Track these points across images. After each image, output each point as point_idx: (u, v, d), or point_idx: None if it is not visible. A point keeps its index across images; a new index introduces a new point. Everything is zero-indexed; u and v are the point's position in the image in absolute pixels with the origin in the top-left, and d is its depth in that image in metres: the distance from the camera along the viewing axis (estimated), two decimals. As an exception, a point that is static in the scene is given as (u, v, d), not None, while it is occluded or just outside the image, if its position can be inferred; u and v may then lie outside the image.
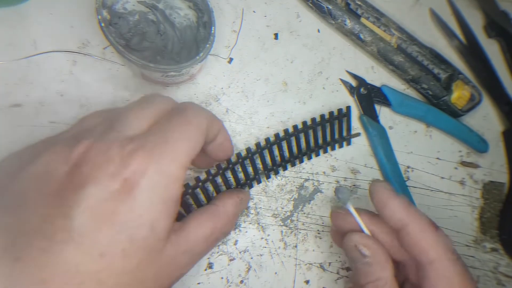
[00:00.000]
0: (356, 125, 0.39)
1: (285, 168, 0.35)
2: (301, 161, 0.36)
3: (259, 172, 0.33)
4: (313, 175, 0.36)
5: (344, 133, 0.37)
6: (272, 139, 0.33)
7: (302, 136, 0.35)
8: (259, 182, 0.34)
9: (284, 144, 0.34)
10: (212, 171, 0.30)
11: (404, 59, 0.40)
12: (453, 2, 0.45)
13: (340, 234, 0.29)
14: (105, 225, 0.19)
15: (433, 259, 0.24)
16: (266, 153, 0.33)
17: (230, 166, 0.31)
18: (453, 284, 0.24)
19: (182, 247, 0.22)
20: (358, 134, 0.38)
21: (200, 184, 0.30)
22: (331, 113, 0.36)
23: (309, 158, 0.36)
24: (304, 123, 0.34)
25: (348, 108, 0.37)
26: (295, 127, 0.34)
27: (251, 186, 0.33)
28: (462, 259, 0.26)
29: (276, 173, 0.35)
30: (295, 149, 0.35)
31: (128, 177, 0.20)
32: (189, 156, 0.22)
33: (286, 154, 0.35)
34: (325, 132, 0.36)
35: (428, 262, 0.25)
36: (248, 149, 0.31)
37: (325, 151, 0.37)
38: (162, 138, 0.22)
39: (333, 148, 0.37)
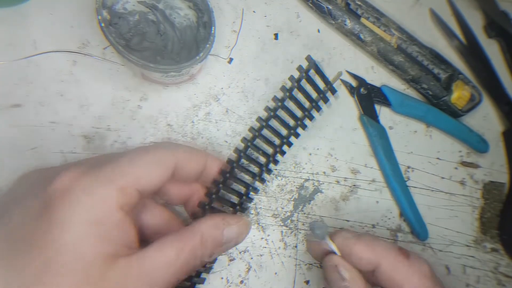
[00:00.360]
0: (356, 124, 0.39)
1: (275, 163, 0.31)
2: (290, 145, 0.31)
3: (256, 178, 0.30)
4: (313, 175, 0.36)
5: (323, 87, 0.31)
6: (249, 135, 0.28)
7: (276, 121, 0.29)
8: (256, 191, 0.31)
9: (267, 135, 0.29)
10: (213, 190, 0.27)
11: (404, 59, 0.40)
12: (453, 2, 0.45)
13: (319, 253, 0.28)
14: (21, 250, 0.18)
15: None
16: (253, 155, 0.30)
17: (215, 191, 0.27)
18: None
19: (134, 272, 0.20)
20: (340, 74, 0.31)
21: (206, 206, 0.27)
22: (291, 77, 0.28)
23: (297, 136, 0.31)
24: (275, 98, 0.28)
25: (309, 58, 0.29)
26: (266, 108, 0.28)
27: (250, 201, 0.30)
28: (441, 285, 0.25)
29: (271, 169, 0.31)
30: (277, 137, 0.30)
31: (49, 196, 0.19)
32: (136, 184, 0.21)
33: (271, 147, 0.30)
34: (299, 101, 0.30)
35: None
36: (230, 161, 0.27)
37: (311, 118, 0.31)
38: (108, 161, 0.21)
39: (318, 109, 0.31)
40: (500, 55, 0.47)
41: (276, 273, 0.33)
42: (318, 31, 0.40)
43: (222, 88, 0.35)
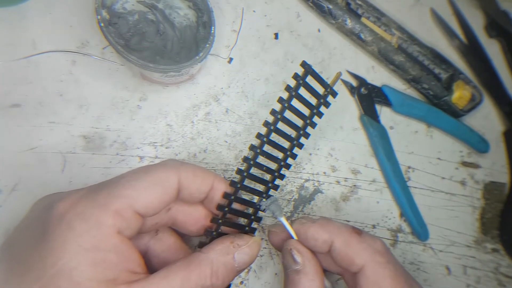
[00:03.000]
0: (356, 124, 0.39)
1: (281, 178, 0.28)
2: (294, 157, 0.29)
3: (263, 195, 0.28)
4: (313, 175, 0.36)
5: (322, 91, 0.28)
6: (251, 154, 0.26)
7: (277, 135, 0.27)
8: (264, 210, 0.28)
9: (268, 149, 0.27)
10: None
11: (404, 59, 0.40)
12: (454, 2, 0.45)
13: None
14: (21, 275, 0.18)
15: (361, 266, 0.24)
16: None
17: (221, 215, 0.25)
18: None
19: None
20: (339, 75, 0.29)
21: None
22: (288, 87, 0.25)
23: (300, 147, 0.28)
24: (274, 111, 0.26)
25: (304, 64, 0.25)
26: (266, 123, 0.25)
27: (258, 221, 0.28)
28: (395, 262, 0.25)
29: (277, 184, 0.29)
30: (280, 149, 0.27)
31: (48, 222, 0.19)
32: (133, 206, 0.20)
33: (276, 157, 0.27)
34: (298, 110, 0.27)
35: (357, 270, 0.24)
36: (233, 183, 0.25)
37: (314, 126, 0.28)
38: (107, 185, 0.20)
39: (319, 115, 0.28)
40: (501, 55, 0.47)
41: (276, 274, 0.33)
42: (319, 30, 0.39)
43: (222, 88, 0.35)
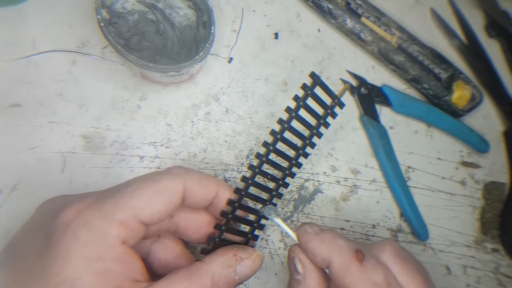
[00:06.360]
0: (356, 124, 0.39)
1: (285, 186, 0.28)
2: (299, 166, 0.28)
3: (267, 203, 0.27)
4: (313, 175, 0.36)
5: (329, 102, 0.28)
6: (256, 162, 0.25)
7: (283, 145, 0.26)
8: (267, 218, 0.27)
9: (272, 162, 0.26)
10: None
11: (404, 59, 0.40)
12: (454, 1, 0.45)
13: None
14: (24, 282, 0.18)
15: None
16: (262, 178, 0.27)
17: (224, 222, 0.25)
18: None
19: None
20: (347, 87, 0.29)
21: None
22: (296, 97, 0.26)
23: (306, 156, 0.28)
24: (281, 120, 0.25)
25: (313, 74, 0.26)
26: (272, 132, 0.25)
27: (261, 228, 0.27)
28: None
29: (282, 193, 0.28)
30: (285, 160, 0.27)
31: (53, 230, 0.19)
32: (138, 216, 0.20)
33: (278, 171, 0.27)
34: (305, 121, 0.27)
35: None
36: (238, 190, 0.25)
37: (320, 136, 0.28)
38: (113, 194, 0.20)
39: (326, 125, 0.28)
40: (501, 54, 0.47)
41: (276, 274, 0.33)
42: (319, 30, 0.39)
43: (222, 88, 0.35)
